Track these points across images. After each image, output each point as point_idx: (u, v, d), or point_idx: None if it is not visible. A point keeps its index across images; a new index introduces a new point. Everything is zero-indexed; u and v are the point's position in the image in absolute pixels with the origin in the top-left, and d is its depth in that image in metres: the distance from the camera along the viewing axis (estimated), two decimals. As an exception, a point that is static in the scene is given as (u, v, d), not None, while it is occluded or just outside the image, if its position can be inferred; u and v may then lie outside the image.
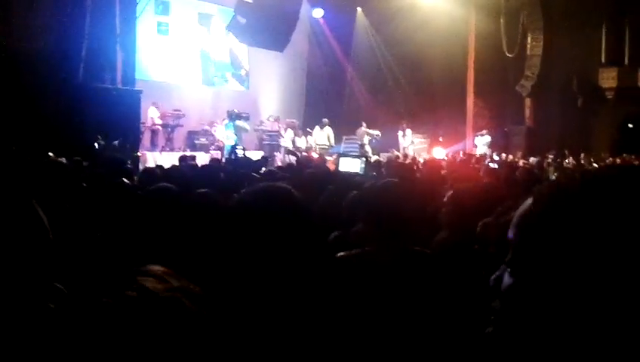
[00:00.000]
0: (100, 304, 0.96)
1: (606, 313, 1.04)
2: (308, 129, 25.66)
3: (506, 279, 1.17)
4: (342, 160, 10.01)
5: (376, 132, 25.53)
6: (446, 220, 3.77)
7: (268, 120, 25.12)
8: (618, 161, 20.21)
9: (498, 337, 1.19)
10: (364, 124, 25.36)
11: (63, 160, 5.06)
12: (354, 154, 12.45)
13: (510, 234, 1.18)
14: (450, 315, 2.72)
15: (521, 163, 16.74)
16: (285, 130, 24.77)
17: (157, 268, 1.05)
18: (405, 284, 2.72)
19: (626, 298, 1.02)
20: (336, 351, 1.85)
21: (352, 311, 2.42)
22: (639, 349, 1.01)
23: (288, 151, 22.24)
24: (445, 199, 3.84)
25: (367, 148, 24.38)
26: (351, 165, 9.59)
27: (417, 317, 2.65)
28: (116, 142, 13.42)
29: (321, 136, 25.02)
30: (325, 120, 25.24)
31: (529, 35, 28.86)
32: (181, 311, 0.98)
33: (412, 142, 26.07)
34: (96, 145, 13.36)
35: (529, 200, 1.17)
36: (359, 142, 24.78)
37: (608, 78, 29.06)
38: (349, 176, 7.51)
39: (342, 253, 2.95)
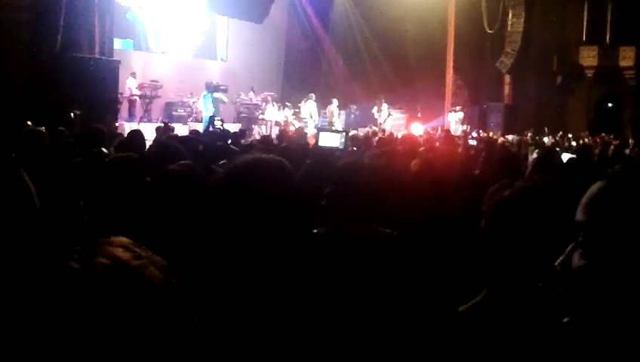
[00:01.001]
0: (69, 270, 0.92)
1: None
2: (287, 103, 25.56)
3: (576, 261, 1.18)
4: (322, 134, 9.98)
5: (338, 111, 25.36)
6: (414, 192, 3.77)
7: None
8: (598, 140, 20.36)
9: (570, 317, 1.20)
10: (334, 101, 25.15)
11: (43, 129, 5.02)
12: (334, 128, 12.41)
13: (580, 215, 1.19)
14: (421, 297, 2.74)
15: (500, 140, 16.81)
16: (267, 103, 24.64)
17: (123, 239, 1.02)
18: (366, 265, 2.71)
19: None
20: (309, 330, 1.85)
21: (327, 292, 2.43)
22: None
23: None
24: (412, 167, 3.83)
25: (338, 126, 24.21)
26: (331, 140, 9.58)
27: (386, 300, 2.65)
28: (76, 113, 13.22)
29: (305, 110, 24.87)
30: (311, 94, 25.05)
31: (510, 11, 28.87)
32: (150, 280, 0.96)
33: (389, 116, 25.90)
34: (72, 114, 13.21)
35: (599, 183, 1.18)
36: (327, 120, 24.64)
37: (588, 57, 29.21)
38: (327, 151, 7.50)
39: (316, 230, 2.93)
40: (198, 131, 13.48)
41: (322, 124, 23.94)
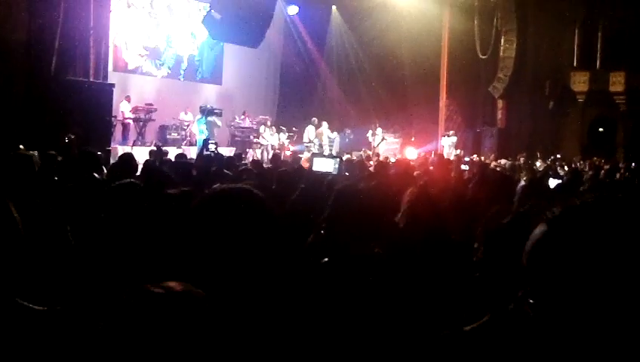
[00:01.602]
0: (156, 293, 1.13)
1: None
2: (282, 126, 25.64)
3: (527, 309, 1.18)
4: (315, 160, 9.96)
5: (334, 134, 25.52)
6: (407, 216, 3.78)
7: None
8: (589, 164, 20.45)
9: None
10: (323, 124, 25.29)
11: (35, 153, 5.00)
12: (328, 155, 12.39)
13: (524, 260, 1.18)
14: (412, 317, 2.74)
15: (492, 164, 16.86)
16: (266, 127, 24.73)
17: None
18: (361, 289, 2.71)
19: None
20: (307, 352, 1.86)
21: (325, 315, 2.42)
22: None
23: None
24: (407, 196, 3.85)
25: (326, 148, 24.28)
26: (325, 165, 9.57)
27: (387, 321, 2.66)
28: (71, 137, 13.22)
29: (305, 135, 24.98)
30: (313, 119, 25.19)
31: (502, 36, 29.07)
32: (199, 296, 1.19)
33: (383, 140, 26.00)
34: (66, 139, 13.21)
35: (540, 227, 1.16)
36: (318, 142, 24.75)
37: (580, 82, 29.41)
38: (321, 175, 7.50)
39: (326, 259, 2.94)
40: (183, 155, 13.45)
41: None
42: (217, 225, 1.83)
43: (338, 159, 10.08)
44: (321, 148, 24.13)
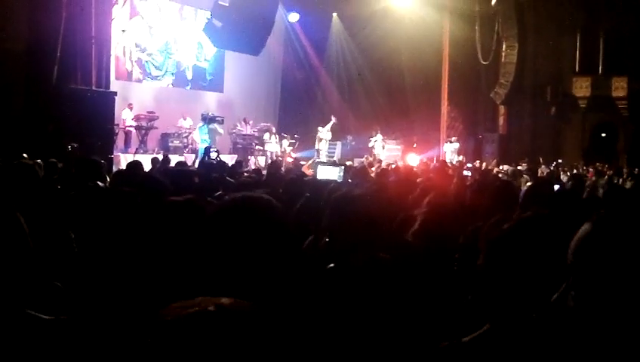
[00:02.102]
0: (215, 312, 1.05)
1: None
2: (284, 134, 25.69)
3: (570, 301, 1.20)
4: (320, 168, 9.97)
5: (328, 134, 25.57)
6: (421, 227, 3.78)
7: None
8: (591, 169, 20.43)
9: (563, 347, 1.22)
10: (319, 129, 25.35)
11: (39, 161, 5.01)
12: (332, 160, 12.34)
13: (569, 258, 1.21)
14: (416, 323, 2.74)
15: (495, 171, 16.85)
16: (271, 135, 24.79)
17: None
18: (373, 292, 2.72)
19: None
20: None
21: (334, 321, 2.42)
22: None
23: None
24: (424, 208, 3.83)
25: (323, 153, 24.30)
26: (329, 173, 9.58)
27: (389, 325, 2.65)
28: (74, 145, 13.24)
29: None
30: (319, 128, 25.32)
31: (503, 42, 29.09)
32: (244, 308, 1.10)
33: (383, 148, 26.06)
34: (69, 147, 13.23)
35: (586, 226, 1.20)
36: (315, 148, 24.81)
37: (581, 87, 29.39)
38: (325, 183, 7.51)
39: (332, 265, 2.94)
40: (184, 163, 13.46)
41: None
42: (237, 233, 1.83)
43: (343, 167, 10.07)
44: (317, 153, 24.34)
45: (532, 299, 1.71)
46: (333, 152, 25.56)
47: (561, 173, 19.42)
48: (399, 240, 3.82)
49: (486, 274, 1.81)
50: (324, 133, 25.06)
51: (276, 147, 24.46)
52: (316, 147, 24.78)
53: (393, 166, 15.61)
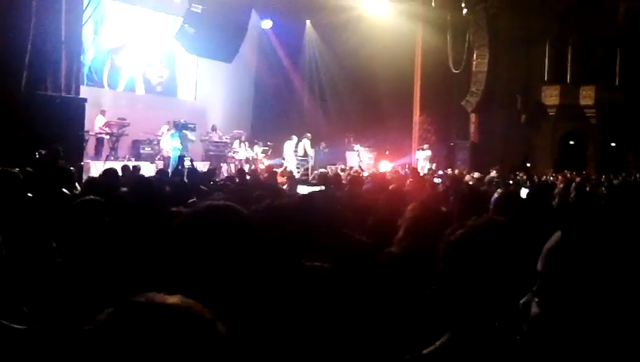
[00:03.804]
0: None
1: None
2: (256, 140, 25.65)
3: (534, 308, 1.21)
4: (300, 187, 9.75)
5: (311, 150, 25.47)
6: (405, 234, 3.75)
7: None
8: (560, 177, 20.65)
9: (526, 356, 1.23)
10: (293, 138, 25.27)
11: (17, 170, 4.90)
12: (313, 182, 12.20)
13: (539, 265, 1.22)
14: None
15: (467, 178, 16.95)
16: (241, 142, 24.70)
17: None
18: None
19: None
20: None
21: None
22: None
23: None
24: (407, 214, 3.82)
25: (292, 163, 24.16)
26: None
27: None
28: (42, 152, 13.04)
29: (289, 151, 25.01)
30: (292, 136, 25.23)
31: (475, 51, 29.37)
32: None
33: (358, 155, 26.09)
34: (36, 154, 13.05)
35: (557, 234, 1.21)
36: (283, 157, 24.73)
37: (551, 96, 29.84)
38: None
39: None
40: (164, 171, 13.39)
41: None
42: (203, 241, 1.84)
43: (323, 187, 9.79)
44: (304, 161, 24.31)
45: (491, 306, 1.72)
46: (306, 160, 25.51)
47: (528, 181, 19.56)
48: (349, 245, 3.82)
49: (444, 281, 1.82)
50: (289, 153, 24.88)
51: (245, 154, 24.37)
52: (283, 155, 24.64)
53: (366, 174, 15.66)
